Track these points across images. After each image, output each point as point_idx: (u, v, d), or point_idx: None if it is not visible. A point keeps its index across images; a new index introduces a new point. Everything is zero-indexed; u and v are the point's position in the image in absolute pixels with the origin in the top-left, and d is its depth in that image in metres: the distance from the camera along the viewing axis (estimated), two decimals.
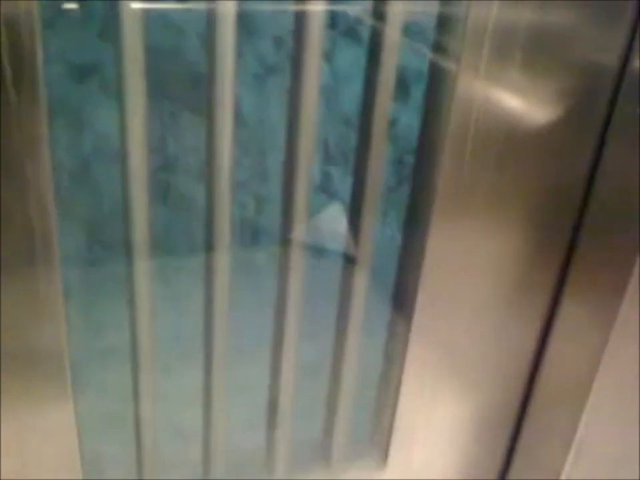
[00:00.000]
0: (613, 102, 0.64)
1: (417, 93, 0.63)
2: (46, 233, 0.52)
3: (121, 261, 0.58)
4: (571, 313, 0.72)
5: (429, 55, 0.62)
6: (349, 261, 0.69)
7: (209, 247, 0.62)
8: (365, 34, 0.60)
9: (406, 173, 0.67)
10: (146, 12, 0.52)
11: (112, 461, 0.72)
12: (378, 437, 0.77)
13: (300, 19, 0.56)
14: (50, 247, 0.53)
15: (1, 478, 0.60)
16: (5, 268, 0.52)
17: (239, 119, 0.57)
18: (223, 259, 0.62)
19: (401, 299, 0.71)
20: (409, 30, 0.59)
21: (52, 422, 0.60)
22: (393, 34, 0.58)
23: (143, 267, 0.60)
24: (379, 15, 0.59)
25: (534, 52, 0.60)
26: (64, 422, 0.60)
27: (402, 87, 0.60)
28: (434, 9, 0.61)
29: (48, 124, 0.49)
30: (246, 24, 0.54)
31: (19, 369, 0.57)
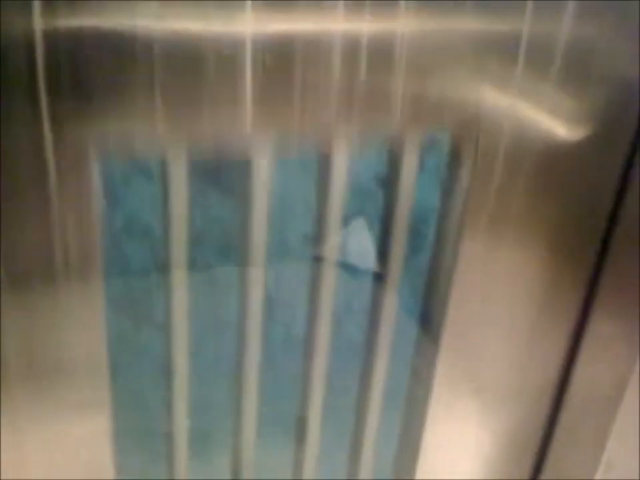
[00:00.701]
0: None
1: None
2: (88, 245, 0.54)
3: (159, 273, 0.59)
4: (599, 328, 0.72)
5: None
6: (376, 278, 0.69)
7: (244, 263, 0.63)
8: None
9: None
10: None
11: (144, 473, 0.72)
12: (405, 455, 0.78)
13: None
14: (92, 258, 0.54)
15: None
16: (47, 278, 0.53)
17: None
18: (257, 275, 0.63)
19: (429, 317, 0.71)
20: None
21: (86, 433, 0.60)
22: None
23: (179, 279, 0.61)
24: None
25: (566, 69, 0.61)
26: (98, 433, 0.61)
27: None
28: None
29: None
30: None
31: (56, 379, 0.57)
